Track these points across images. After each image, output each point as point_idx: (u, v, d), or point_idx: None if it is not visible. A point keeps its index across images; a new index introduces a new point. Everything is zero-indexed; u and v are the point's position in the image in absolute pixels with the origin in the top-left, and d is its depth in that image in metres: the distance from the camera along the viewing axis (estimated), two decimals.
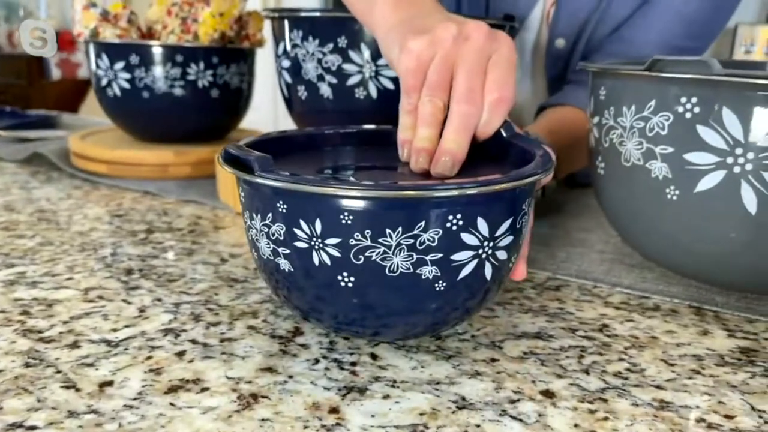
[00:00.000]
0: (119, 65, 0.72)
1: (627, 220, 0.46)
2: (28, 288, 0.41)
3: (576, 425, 0.28)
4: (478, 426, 0.28)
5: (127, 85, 0.72)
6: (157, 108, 0.73)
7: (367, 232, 0.28)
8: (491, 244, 0.30)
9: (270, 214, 0.30)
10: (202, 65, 0.73)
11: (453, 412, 0.29)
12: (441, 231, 0.28)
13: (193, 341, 0.35)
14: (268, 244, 0.31)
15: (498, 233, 0.30)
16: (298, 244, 0.30)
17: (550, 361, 0.34)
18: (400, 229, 0.28)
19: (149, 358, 0.33)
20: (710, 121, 0.37)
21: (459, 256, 0.29)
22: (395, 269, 0.29)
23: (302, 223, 0.29)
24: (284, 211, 0.30)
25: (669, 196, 0.41)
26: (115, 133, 0.82)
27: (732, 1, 0.67)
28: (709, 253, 0.41)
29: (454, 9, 0.83)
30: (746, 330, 0.39)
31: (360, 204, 0.28)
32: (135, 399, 0.29)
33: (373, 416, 0.29)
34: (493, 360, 0.34)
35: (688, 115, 0.38)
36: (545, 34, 0.75)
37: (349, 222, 0.28)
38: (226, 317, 0.38)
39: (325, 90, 0.59)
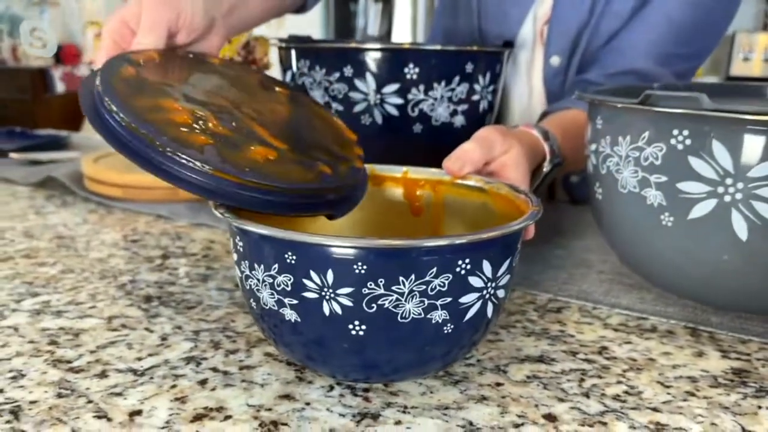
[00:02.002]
0: None
1: (624, 244, 0.48)
2: (53, 317, 0.43)
3: None
4: None
5: None
6: None
7: (381, 281, 0.29)
8: (494, 285, 0.32)
9: (276, 265, 0.31)
10: None
11: None
12: (451, 276, 0.30)
13: (214, 369, 0.37)
14: (272, 294, 0.32)
15: (500, 273, 0.32)
16: (308, 294, 0.31)
17: (552, 384, 0.36)
18: (413, 276, 0.29)
19: (174, 386, 0.35)
20: (701, 153, 0.40)
21: (466, 299, 0.31)
22: (407, 315, 0.30)
23: (312, 273, 0.30)
24: (293, 262, 0.30)
25: (664, 222, 0.43)
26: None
27: (726, 9, 0.68)
28: (704, 275, 0.43)
29: (450, 28, 0.85)
30: (739, 350, 0.41)
31: (374, 255, 0.29)
32: (163, 428, 0.31)
33: None
34: (498, 384, 0.36)
35: (680, 146, 0.40)
36: (540, 52, 0.77)
37: (363, 272, 0.29)
38: (244, 344, 0.40)
39: None
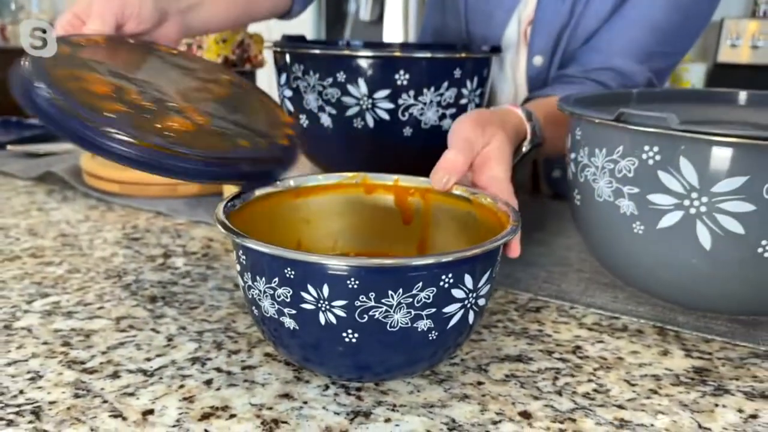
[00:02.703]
0: None
1: (600, 247, 0.51)
2: (64, 318, 0.46)
3: None
4: None
5: None
6: None
7: (371, 294, 0.32)
8: (474, 295, 0.35)
9: (276, 279, 0.34)
10: None
11: None
12: (435, 289, 0.33)
13: (218, 369, 0.40)
14: (273, 304, 0.35)
15: (480, 284, 0.35)
16: (305, 305, 0.33)
17: (528, 383, 0.40)
18: (401, 290, 0.33)
19: (182, 386, 0.38)
20: (669, 168, 0.43)
21: (449, 309, 0.34)
22: (395, 325, 0.33)
23: (310, 287, 0.33)
24: (292, 277, 0.33)
25: (636, 230, 0.46)
26: None
27: (704, 8, 0.71)
28: (672, 279, 0.46)
29: (439, 27, 0.87)
30: (702, 349, 0.44)
31: (365, 272, 0.32)
32: (174, 426, 0.34)
33: None
34: (480, 383, 0.39)
35: (650, 161, 0.43)
36: (524, 53, 0.79)
37: (356, 286, 0.32)
38: (245, 345, 0.43)
39: (326, 120, 0.64)
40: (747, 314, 0.49)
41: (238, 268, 0.37)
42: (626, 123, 0.44)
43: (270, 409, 0.36)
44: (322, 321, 0.34)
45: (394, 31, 2.62)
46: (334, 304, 0.33)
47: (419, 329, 0.34)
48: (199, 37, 0.77)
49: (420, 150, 0.65)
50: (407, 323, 0.34)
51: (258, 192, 0.44)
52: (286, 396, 0.37)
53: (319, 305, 0.33)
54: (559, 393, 0.39)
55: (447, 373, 0.40)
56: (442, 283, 0.33)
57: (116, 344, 0.43)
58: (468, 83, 0.64)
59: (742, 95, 0.61)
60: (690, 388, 0.40)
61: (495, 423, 0.35)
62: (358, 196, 0.49)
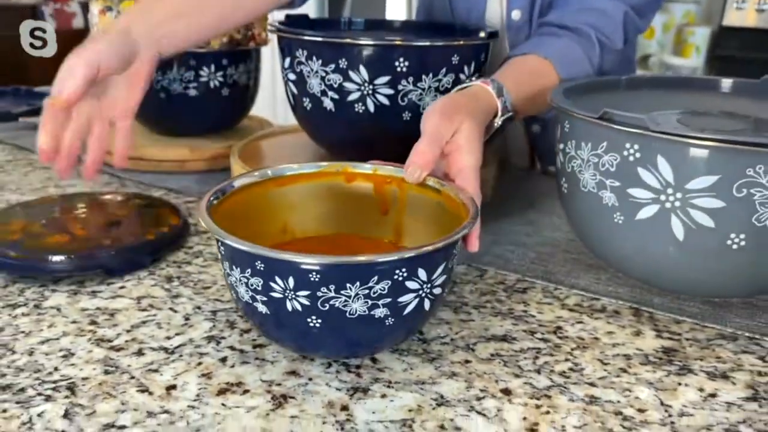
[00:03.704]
0: None
1: (585, 233, 0.55)
2: (89, 297, 0.50)
3: (524, 418, 0.38)
4: (451, 420, 0.38)
5: None
6: (173, 107, 0.81)
7: (331, 286, 0.36)
8: (429, 286, 0.39)
9: (249, 270, 0.38)
10: (213, 67, 0.80)
11: (433, 408, 0.39)
12: (390, 282, 0.37)
13: (232, 348, 0.44)
14: (247, 291, 0.39)
15: (434, 276, 0.39)
16: (274, 294, 0.38)
17: (511, 362, 0.44)
18: (357, 283, 0.36)
19: (200, 363, 0.42)
20: (648, 165, 0.46)
21: (404, 299, 0.38)
22: (354, 312, 0.37)
23: (277, 278, 0.37)
24: (262, 269, 0.37)
25: (616, 220, 0.49)
26: (135, 124, 0.89)
27: None
28: (648, 264, 0.50)
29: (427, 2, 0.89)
30: (672, 330, 0.49)
31: (325, 267, 0.36)
32: (195, 400, 0.39)
33: (373, 413, 0.38)
34: (467, 361, 0.44)
35: (631, 158, 0.47)
36: (503, 8, 0.80)
37: (317, 279, 0.36)
38: None
39: (328, 104, 0.66)
40: (717, 297, 0.53)
41: (219, 256, 0.41)
42: (610, 122, 0.47)
43: (279, 385, 0.41)
44: (289, 308, 0.38)
45: (396, 4, 2.59)
46: (299, 294, 0.37)
47: (376, 316, 0.38)
48: None
49: (418, 133, 0.68)
50: (365, 311, 0.38)
51: (238, 183, 0.48)
52: (293, 373, 0.42)
53: (286, 294, 0.37)
54: (538, 371, 0.43)
55: (438, 352, 0.45)
56: (396, 277, 0.37)
57: (139, 323, 0.47)
58: (465, 69, 0.67)
59: (726, 83, 0.63)
60: (657, 368, 0.44)
61: (479, 399, 0.40)
62: (339, 184, 0.52)
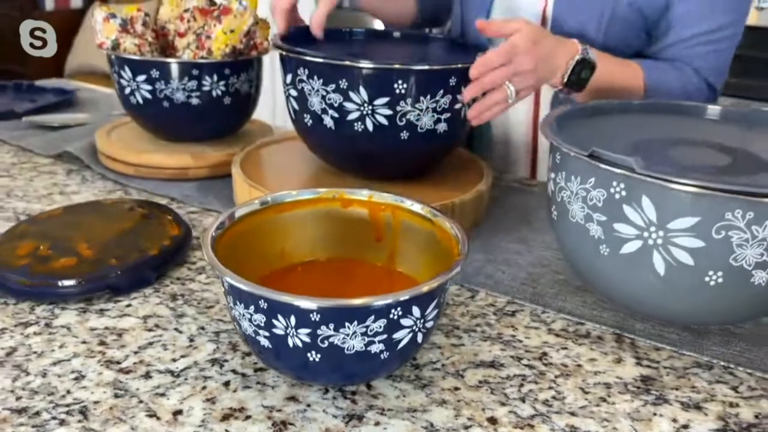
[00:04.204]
0: (141, 78, 0.80)
1: (572, 258, 0.57)
2: (98, 316, 0.53)
3: None
4: None
5: (148, 96, 0.81)
6: (176, 115, 0.82)
7: (331, 325, 0.39)
8: (422, 321, 0.42)
9: (252, 306, 0.40)
10: (215, 77, 0.81)
11: None
12: (386, 320, 0.40)
13: (234, 371, 0.47)
14: (251, 325, 0.41)
15: (427, 312, 0.42)
16: (276, 330, 0.40)
17: (498, 389, 0.47)
18: (355, 322, 0.39)
19: (204, 387, 0.45)
20: (633, 203, 0.48)
21: (398, 334, 0.41)
22: (351, 349, 0.40)
23: (279, 317, 0.39)
24: (265, 307, 0.39)
25: (602, 252, 0.52)
26: (138, 129, 0.91)
27: None
28: (631, 294, 0.53)
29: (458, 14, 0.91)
30: (651, 358, 0.51)
31: (324, 309, 0.38)
32: (200, 426, 0.41)
33: None
34: (456, 389, 0.46)
35: (617, 195, 0.49)
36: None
37: (317, 319, 0.39)
38: None
39: (328, 121, 0.68)
40: (696, 325, 0.55)
41: (223, 290, 0.43)
42: (598, 161, 0.49)
43: (279, 411, 0.43)
44: (290, 344, 0.40)
45: None
46: (299, 331, 0.39)
47: (372, 351, 0.41)
48: (208, 28, 0.80)
49: (416, 152, 0.70)
50: (362, 347, 0.40)
51: (239, 212, 0.50)
52: (293, 399, 0.44)
53: (287, 331, 0.40)
54: (523, 399, 0.46)
55: (429, 378, 0.47)
56: (392, 315, 0.40)
57: (145, 344, 0.49)
58: (463, 89, 0.68)
59: (714, 110, 0.65)
60: (635, 397, 0.47)
61: (466, 428, 0.43)
62: (335, 209, 0.54)
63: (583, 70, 0.69)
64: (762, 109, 0.64)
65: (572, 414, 0.44)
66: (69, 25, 3.34)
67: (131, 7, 0.85)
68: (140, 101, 0.81)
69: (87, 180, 0.81)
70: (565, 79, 0.69)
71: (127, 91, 0.82)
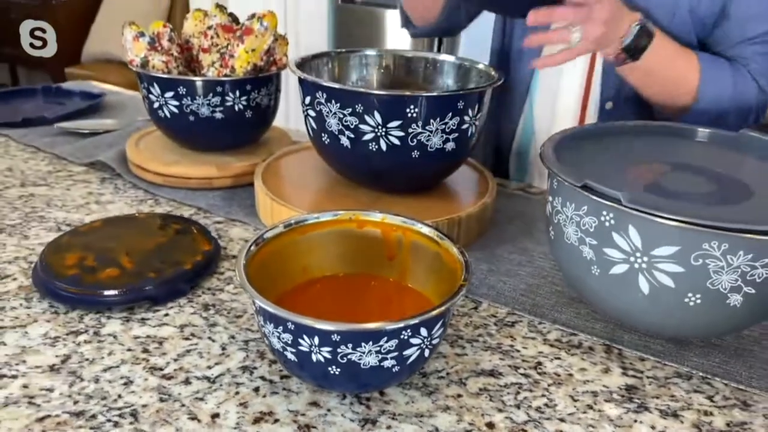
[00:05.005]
0: (169, 94, 0.85)
1: (567, 274, 0.63)
2: (140, 325, 0.59)
3: None
4: None
5: (176, 110, 0.86)
6: (201, 128, 0.88)
7: (349, 345, 0.45)
8: (429, 339, 0.48)
9: (281, 327, 0.46)
10: (237, 93, 0.86)
11: None
12: (397, 340, 0.45)
13: (263, 378, 0.53)
14: (279, 342, 0.47)
15: (434, 331, 0.48)
16: (302, 348, 0.46)
17: (496, 397, 0.52)
18: (371, 342, 0.45)
19: (237, 393, 0.51)
20: (621, 231, 0.53)
21: (408, 351, 0.47)
22: (367, 364, 0.46)
23: (305, 336, 0.45)
24: (292, 329, 0.45)
25: (593, 272, 0.57)
26: (164, 139, 0.97)
27: None
28: (620, 309, 0.58)
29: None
30: (636, 368, 0.57)
31: (344, 331, 0.44)
32: (236, 427, 0.48)
33: None
34: (459, 396, 0.52)
35: (607, 223, 0.54)
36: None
37: (338, 339, 0.44)
38: None
39: (345, 141, 0.74)
40: (679, 337, 0.61)
41: (253, 310, 0.49)
42: (590, 192, 0.54)
43: (303, 415, 0.49)
44: (314, 359, 0.46)
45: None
46: (322, 349, 0.45)
47: (385, 366, 0.47)
48: (231, 47, 0.85)
49: (425, 169, 0.76)
50: (376, 363, 0.46)
51: (268, 234, 0.56)
52: (315, 404, 0.51)
53: (311, 349, 0.46)
54: (518, 406, 0.51)
55: (435, 386, 0.53)
56: (402, 336, 0.46)
57: (183, 352, 0.56)
58: (470, 111, 0.73)
59: (704, 133, 0.70)
60: (618, 405, 0.52)
61: None
62: (351, 230, 0.60)
63: (642, 37, 0.74)
64: (750, 134, 0.69)
65: (561, 420, 0.50)
66: (85, 12, 3.39)
67: (158, 22, 0.90)
68: (168, 115, 0.87)
69: (119, 189, 0.87)
70: (624, 43, 0.74)
71: (156, 105, 0.87)
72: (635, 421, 0.51)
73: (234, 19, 0.93)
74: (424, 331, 0.47)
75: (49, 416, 0.48)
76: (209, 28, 0.91)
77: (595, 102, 0.92)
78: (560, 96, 0.94)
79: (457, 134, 0.74)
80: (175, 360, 0.55)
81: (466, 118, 0.74)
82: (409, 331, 0.46)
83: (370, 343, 0.45)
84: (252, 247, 0.53)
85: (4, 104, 1.20)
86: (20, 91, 1.26)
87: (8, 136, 1.06)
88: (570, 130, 0.69)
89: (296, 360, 0.47)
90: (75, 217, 0.79)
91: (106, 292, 0.60)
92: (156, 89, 0.86)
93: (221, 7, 0.95)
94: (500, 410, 0.51)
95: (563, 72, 0.92)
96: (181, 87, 0.84)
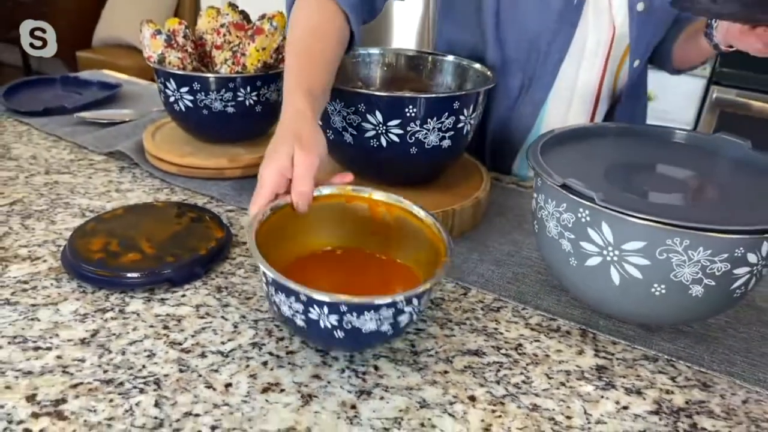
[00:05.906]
0: (184, 89, 0.91)
1: (549, 264, 0.69)
2: (160, 305, 0.65)
3: (482, 420, 0.53)
4: (429, 419, 0.53)
5: (190, 105, 0.92)
6: (214, 121, 0.93)
7: (354, 314, 0.51)
8: (418, 309, 0.55)
9: (293, 297, 0.52)
10: (248, 89, 0.92)
11: (417, 410, 0.54)
12: (393, 309, 0.52)
13: (271, 353, 0.59)
14: (289, 309, 0.54)
15: (421, 305, 0.55)
16: (311, 315, 0.52)
17: (479, 374, 0.58)
18: (372, 311, 0.51)
19: (248, 366, 0.57)
20: (595, 227, 0.59)
21: (401, 318, 0.54)
22: (367, 329, 0.52)
23: (315, 306, 0.52)
24: (304, 299, 0.52)
25: (571, 263, 0.63)
26: (179, 130, 1.02)
27: None
28: (595, 297, 0.64)
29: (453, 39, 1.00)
30: (608, 351, 0.63)
31: (348, 304, 0.51)
32: (246, 396, 0.54)
33: (374, 411, 0.53)
34: (445, 372, 0.58)
35: (583, 219, 0.60)
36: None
37: (345, 310, 0.51)
38: (287, 333, 0.62)
39: (348, 137, 0.79)
40: (649, 323, 0.67)
41: (263, 281, 0.56)
42: (568, 191, 0.60)
43: (306, 386, 0.56)
44: (322, 325, 0.53)
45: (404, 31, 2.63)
46: (330, 317, 0.52)
47: (382, 330, 0.53)
48: (243, 46, 0.91)
49: (423, 164, 0.81)
50: (375, 328, 0.53)
51: (272, 207, 0.61)
52: (316, 377, 0.57)
53: (320, 317, 0.52)
54: (498, 382, 0.58)
55: (425, 363, 0.59)
56: (398, 306, 0.52)
57: (199, 329, 0.62)
58: (465, 111, 0.79)
59: (681, 135, 0.75)
60: (588, 383, 0.58)
61: (451, 403, 0.55)
62: (341, 204, 0.67)
63: None
64: (723, 136, 0.74)
65: (536, 395, 0.56)
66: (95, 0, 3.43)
67: (173, 20, 0.96)
68: (183, 109, 0.93)
69: (137, 178, 0.93)
70: None
71: (172, 99, 0.93)
72: (602, 397, 0.57)
73: (245, 17, 0.99)
74: (415, 301, 0.53)
75: (81, 383, 0.54)
76: (222, 25, 0.96)
77: (602, 101, 0.98)
78: (575, 96, 0.98)
79: (452, 132, 0.79)
80: (192, 336, 0.61)
81: (462, 117, 0.79)
82: (402, 302, 0.52)
83: (372, 312, 0.51)
84: (261, 218, 0.59)
85: (23, 93, 1.25)
86: (39, 81, 1.31)
87: (30, 124, 1.12)
88: (557, 131, 0.74)
89: (305, 326, 0.54)
90: (97, 203, 0.85)
91: (129, 275, 0.66)
92: (172, 84, 0.91)
93: (233, 6, 1.00)
94: (482, 385, 0.57)
95: (579, 71, 0.95)
96: (196, 83, 0.90)
